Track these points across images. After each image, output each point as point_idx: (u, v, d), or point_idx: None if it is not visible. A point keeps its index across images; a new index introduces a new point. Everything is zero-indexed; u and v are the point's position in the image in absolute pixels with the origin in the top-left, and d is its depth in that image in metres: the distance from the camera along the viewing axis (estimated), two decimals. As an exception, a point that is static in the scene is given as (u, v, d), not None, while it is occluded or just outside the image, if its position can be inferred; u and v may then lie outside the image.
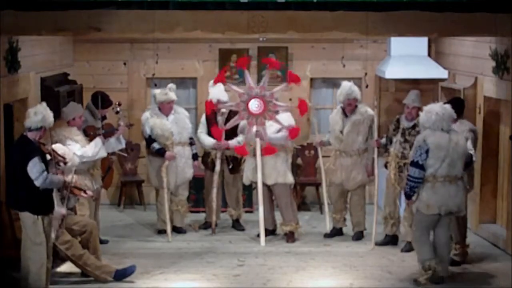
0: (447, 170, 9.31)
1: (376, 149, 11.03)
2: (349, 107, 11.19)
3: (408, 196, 9.45)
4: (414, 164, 9.33)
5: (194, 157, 11.69)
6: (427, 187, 9.33)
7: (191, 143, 11.66)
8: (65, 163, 9.16)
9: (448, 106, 9.53)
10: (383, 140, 11.04)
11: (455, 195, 9.38)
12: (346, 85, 11.20)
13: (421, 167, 9.28)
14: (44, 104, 9.03)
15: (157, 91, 11.59)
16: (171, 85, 11.58)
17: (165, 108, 11.48)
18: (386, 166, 10.90)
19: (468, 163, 9.65)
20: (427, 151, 9.28)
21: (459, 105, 10.27)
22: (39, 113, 8.84)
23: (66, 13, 9.58)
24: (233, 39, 12.71)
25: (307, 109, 11.38)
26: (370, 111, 11.26)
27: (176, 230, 11.70)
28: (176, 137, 11.47)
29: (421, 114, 9.54)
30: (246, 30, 9.92)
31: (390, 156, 10.81)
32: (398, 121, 10.86)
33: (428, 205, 9.37)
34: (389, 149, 10.86)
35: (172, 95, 11.46)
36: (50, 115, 8.92)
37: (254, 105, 11.17)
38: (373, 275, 9.90)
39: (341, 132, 11.21)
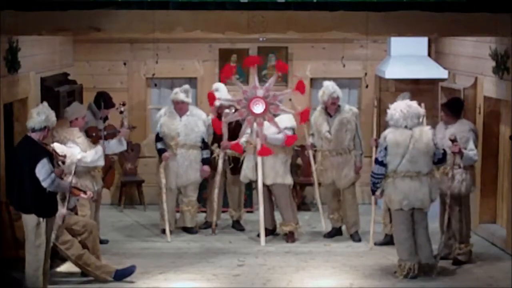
0: (408, 166, 9.60)
1: (374, 148, 11.05)
2: (333, 106, 11.22)
3: (372, 191, 9.85)
4: (376, 160, 9.73)
5: (205, 161, 11.60)
6: (389, 183, 9.68)
7: (202, 147, 11.58)
8: (64, 162, 9.16)
9: (413, 104, 9.79)
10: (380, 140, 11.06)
11: (417, 191, 9.62)
12: (328, 84, 11.24)
13: (381, 163, 9.64)
14: (46, 104, 9.02)
15: (174, 90, 11.56)
16: (186, 86, 11.57)
17: (177, 108, 11.47)
18: None
19: (441, 159, 9.78)
20: (386, 148, 9.62)
21: (458, 105, 10.35)
22: (42, 113, 8.83)
23: (66, 13, 9.58)
24: (233, 39, 12.71)
25: (307, 118, 11.34)
26: (354, 108, 11.40)
27: (187, 230, 11.70)
28: (181, 138, 11.43)
29: (388, 111, 9.80)
30: (246, 30, 9.92)
31: None
32: None
33: (390, 200, 9.71)
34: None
35: (181, 96, 11.41)
36: (52, 114, 8.92)
37: (256, 105, 11.16)
38: (373, 275, 9.91)
39: (329, 132, 11.23)
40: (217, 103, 11.49)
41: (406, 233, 9.69)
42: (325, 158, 11.31)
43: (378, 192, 9.78)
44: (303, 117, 11.23)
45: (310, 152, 11.60)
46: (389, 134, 9.65)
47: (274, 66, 12.27)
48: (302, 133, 12.32)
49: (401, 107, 9.67)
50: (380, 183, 9.70)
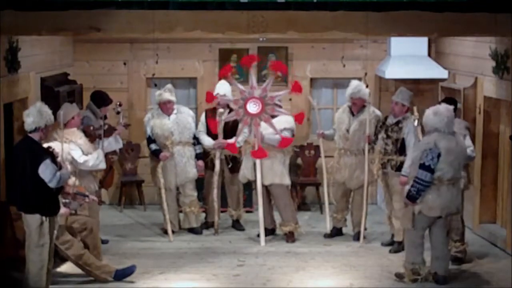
0: (452, 173, 9.28)
1: (366, 145, 11.02)
2: (354, 106, 11.21)
3: (414, 199, 9.29)
4: (425, 167, 9.18)
5: (198, 156, 11.68)
6: (433, 190, 9.24)
7: (194, 143, 11.65)
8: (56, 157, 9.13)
9: (451, 108, 9.47)
10: (373, 138, 11.05)
11: (456, 197, 9.40)
12: (353, 84, 11.24)
13: (432, 171, 9.18)
14: (37, 104, 8.91)
15: (157, 92, 11.63)
16: (168, 86, 11.62)
17: (164, 108, 11.51)
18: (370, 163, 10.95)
19: (471, 157, 9.76)
20: (438, 155, 9.18)
21: (455, 104, 10.30)
22: (31, 115, 8.75)
23: (66, 13, 9.58)
24: (233, 39, 12.71)
25: (302, 121, 11.34)
26: (377, 111, 11.31)
27: (192, 231, 11.71)
28: (176, 137, 11.48)
29: (427, 115, 9.39)
30: (246, 30, 9.92)
31: (374, 153, 10.85)
32: (386, 118, 10.91)
33: (431, 207, 9.31)
34: (374, 146, 10.95)
35: (167, 95, 11.46)
36: (46, 113, 8.81)
37: (252, 105, 11.14)
38: (373, 275, 9.90)
39: (347, 130, 11.22)
40: (221, 110, 11.51)
41: (421, 238, 9.48)
42: (340, 156, 11.31)
43: (418, 200, 9.28)
44: (298, 119, 11.20)
45: (321, 145, 11.59)
46: (441, 141, 9.16)
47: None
48: (303, 133, 12.35)
49: (445, 112, 9.25)
50: (426, 191, 9.22)
